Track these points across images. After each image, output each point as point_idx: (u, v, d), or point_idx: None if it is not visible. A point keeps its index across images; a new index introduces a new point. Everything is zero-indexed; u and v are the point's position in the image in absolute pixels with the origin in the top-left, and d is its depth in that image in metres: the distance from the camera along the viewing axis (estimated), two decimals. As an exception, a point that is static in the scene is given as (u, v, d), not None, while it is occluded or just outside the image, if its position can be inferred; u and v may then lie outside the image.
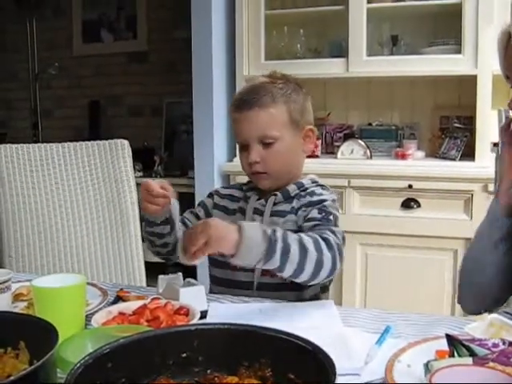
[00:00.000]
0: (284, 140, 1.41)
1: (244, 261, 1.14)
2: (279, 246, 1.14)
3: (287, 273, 1.17)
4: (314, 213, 1.36)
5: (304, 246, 1.18)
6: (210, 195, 1.59)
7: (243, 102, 1.41)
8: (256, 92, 1.41)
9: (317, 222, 1.33)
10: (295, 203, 1.43)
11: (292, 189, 1.45)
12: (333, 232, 1.29)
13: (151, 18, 4.11)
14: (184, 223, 1.52)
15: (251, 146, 1.41)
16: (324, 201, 1.39)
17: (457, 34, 2.61)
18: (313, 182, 1.48)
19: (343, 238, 1.32)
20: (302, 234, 1.22)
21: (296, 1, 3.07)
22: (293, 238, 1.18)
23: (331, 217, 1.35)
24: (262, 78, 1.47)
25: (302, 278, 1.20)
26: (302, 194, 1.44)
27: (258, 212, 1.45)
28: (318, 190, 1.44)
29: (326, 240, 1.23)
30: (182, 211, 1.48)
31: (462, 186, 2.55)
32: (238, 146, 1.51)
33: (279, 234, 1.16)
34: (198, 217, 1.56)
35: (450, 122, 2.90)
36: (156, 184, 1.32)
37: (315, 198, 1.41)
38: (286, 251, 1.15)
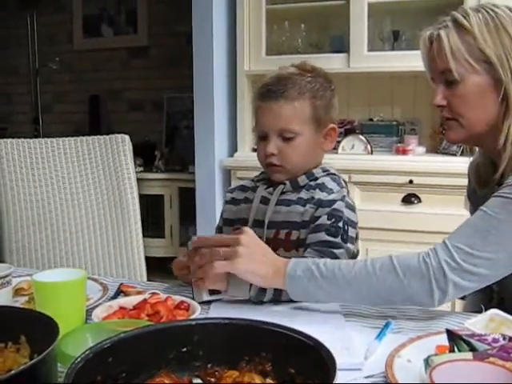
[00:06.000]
0: (304, 136, 1.38)
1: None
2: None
3: None
4: (324, 219, 1.34)
5: None
6: (225, 196, 1.58)
7: (269, 92, 1.38)
8: (283, 83, 1.37)
9: (324, 238, 1.32)
10: (304, 194, 1.40)
11: (301, 179, 1.41)
12: (334, 258, 1.27)
13: (152, 12, 4.11)
14: None
15: (270, 137, 1.39)
16: (334, 201, 1.35)
17: (458, 29, 2.60)
18: (324, 171, 1.43)
19: (352, 254, 1.35)
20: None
21: (297, -5, 3.06)
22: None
23: (341, 223, 1.33)
24: (291, 69, 1.42)
25: None
26: (312, 184, 1.40)
27: (265, 201, 1.43)
28: (329, 183, 1.40)
29: None
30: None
31: (462, 182, 2.50)
32: (256, 134, 1.47)
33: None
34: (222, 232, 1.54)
35: (451, 117, 2.90)
36: (183, 260, 1.29)
37: (325, 197, 1.36)
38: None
